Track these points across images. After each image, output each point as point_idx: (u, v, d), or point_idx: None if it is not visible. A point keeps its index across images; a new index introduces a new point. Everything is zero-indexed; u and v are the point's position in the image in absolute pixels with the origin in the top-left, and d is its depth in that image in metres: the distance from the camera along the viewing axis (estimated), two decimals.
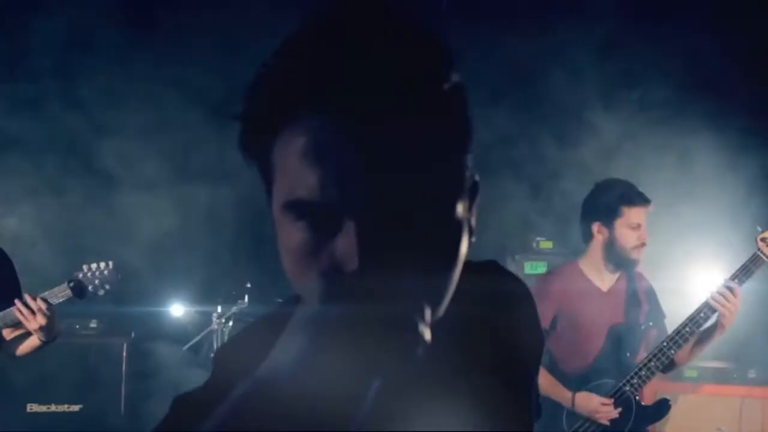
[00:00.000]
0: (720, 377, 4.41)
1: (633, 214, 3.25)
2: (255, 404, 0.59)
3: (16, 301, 3.02)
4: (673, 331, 3.22)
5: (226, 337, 4.74)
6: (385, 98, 0.67)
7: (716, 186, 4.30)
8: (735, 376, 4.42)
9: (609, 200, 3.29)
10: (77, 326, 4.91)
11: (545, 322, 3.31)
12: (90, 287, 3.16)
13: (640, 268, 3.40)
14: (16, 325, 3.10)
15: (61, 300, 3.10)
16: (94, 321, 4.99)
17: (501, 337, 0.82)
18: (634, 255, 3.28)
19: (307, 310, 0.63)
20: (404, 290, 0.63)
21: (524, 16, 4.94)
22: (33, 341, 3.13)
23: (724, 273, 3.30)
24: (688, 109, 4.54)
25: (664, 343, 3.20)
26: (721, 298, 3.13)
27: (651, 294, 3.44)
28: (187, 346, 4.94)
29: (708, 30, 4.65)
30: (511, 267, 4.88)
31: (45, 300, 3.03)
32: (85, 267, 3.18)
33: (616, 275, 3.38)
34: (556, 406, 3.26)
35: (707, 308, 3.18)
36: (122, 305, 4.90)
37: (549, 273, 3.53)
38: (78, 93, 4.92)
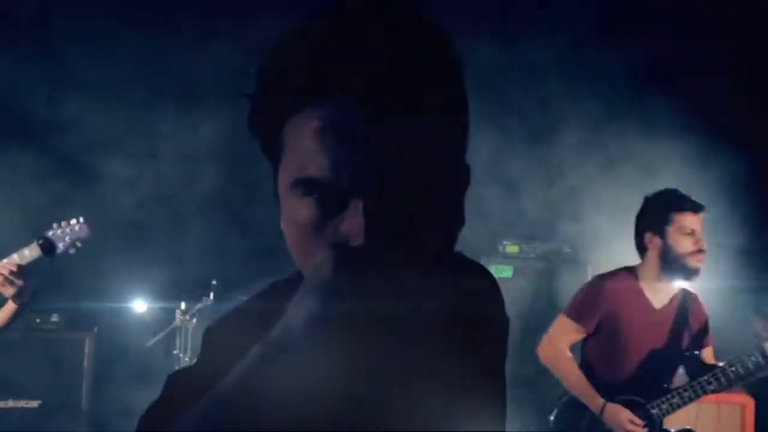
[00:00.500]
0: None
1: (685, 220, 3.18)
2: (265, 371, 0.65)
3: None
4: (718, 369, 3.15)
5: (189, 334, 4.71)
6: (402, 88, 0.72)
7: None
8: None
9: (658, 209, 3.24)
10: (38, 320, 4.82)
11: (590, 328, 3.26)
12: (61, 244, 3.16)
13: (695, 290, 3.30)
14: None
15: (30, 260, 3.08)
16: (55, 315, 4.91)
17: (474, 327, 0.83)
18: (692, 262, 3.17)
19: (319, 276, 0.67)
20: (404, 266, 0.68)
21: (483, 19, 4.97)
22: (9, 307, 3.11)
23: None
24: (650, 115, 4.61)
25: (705, 378, 3.13)
26: None
27: (703, 321, 3.34)
28: (150, 343, 4.89)
29: (671, 36, 4.72)
30: None
31: (15, 264, 3.02)
32: (55, 225, 3.18)
33: (672, 293, 3.29)
34: (582, 407, 3.22)
35: (762, 355, 3.06)
36: (84, 300, 4.84)
37: (603, 277, 3.35)
38: (42, 71, 4.82)
